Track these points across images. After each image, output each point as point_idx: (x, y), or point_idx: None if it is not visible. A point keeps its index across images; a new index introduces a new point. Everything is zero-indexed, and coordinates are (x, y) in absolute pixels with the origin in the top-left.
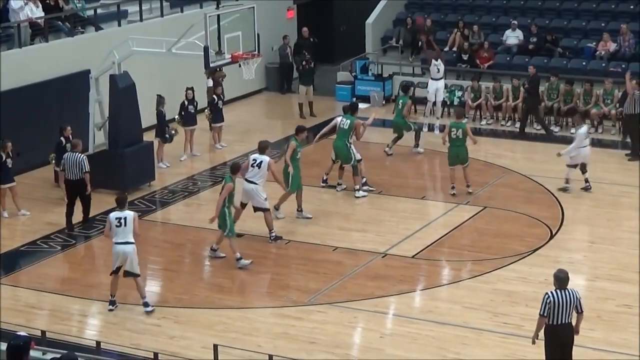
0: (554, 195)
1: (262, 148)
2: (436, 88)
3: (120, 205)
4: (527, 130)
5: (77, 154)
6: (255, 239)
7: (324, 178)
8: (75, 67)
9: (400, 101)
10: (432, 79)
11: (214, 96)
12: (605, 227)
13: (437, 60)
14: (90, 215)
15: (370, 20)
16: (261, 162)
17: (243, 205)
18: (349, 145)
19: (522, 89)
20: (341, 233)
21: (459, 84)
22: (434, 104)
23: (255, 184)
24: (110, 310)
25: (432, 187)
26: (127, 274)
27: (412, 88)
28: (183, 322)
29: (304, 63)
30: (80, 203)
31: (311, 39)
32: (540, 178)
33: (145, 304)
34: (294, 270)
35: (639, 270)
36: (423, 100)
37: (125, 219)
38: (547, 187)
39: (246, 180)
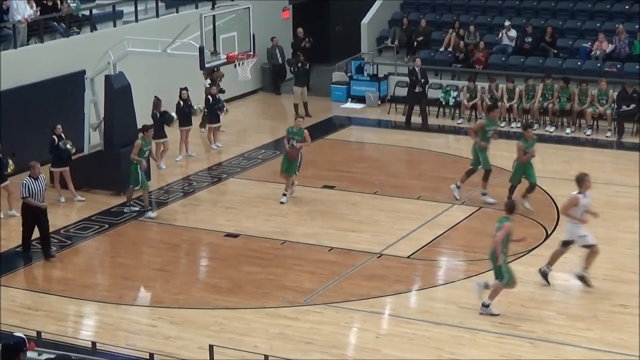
0: (549, 195)
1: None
2: None
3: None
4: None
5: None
6: (250, 239)
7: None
8: (71, 67)
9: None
10: None
11: (209, 96)
12: (601, 227)
13: None
14: (87, 216)
15: (365, 20)
16: None
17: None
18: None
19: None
20: (337, 233)
21: (454, 84)
22: None
23: None
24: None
25: (427, 187)
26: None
27: None
28: (179, 322)
29: (299, 64)
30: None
31: (306, 39)
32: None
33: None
34: (289, 270)
35: (638, 271)
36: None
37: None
38: (543, 187)
39: None
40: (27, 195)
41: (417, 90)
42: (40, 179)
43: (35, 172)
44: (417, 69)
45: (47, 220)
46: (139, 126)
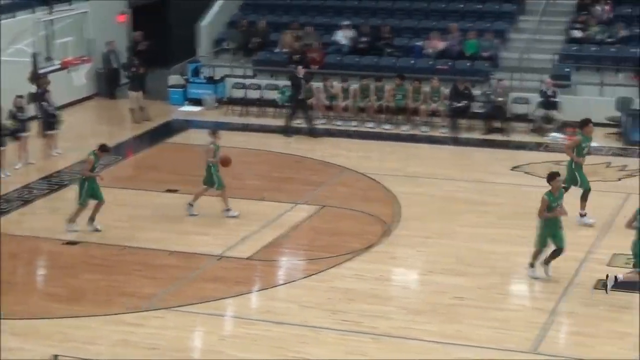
0: (390, 192)
1: None
2: None
3: None
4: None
5: None
6: (91, 246)
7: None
8: None
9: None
10: None
11: (43, 103)
12: (440, 222)
13: None
14: None
15: (204, 22)
16: None
17: None
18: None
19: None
20: (178, 237)
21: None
22: None
23: None
24: None
25: (270, 187)
26: None
27: None
28: (20, 333)
29: (133, 69)
30: None
31: (144, 43)
32: (376, 176)
33: None
34: (131, 276)
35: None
36: (251, 102)
37: None
38: (384, 184)
39: None
40: None
41: (300, 97)
42: None
43: None
44: (300, 75)
45: None
46: None
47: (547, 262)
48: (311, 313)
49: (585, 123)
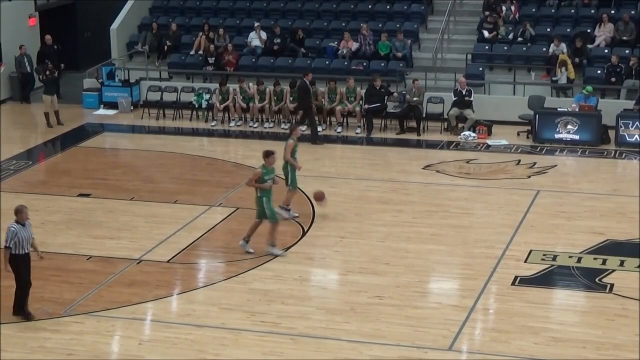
0: (303, 192)
1: None
2: None
3: None
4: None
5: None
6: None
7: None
8: None
9: None
10: None
11: None
12: (355, 222)
13: None
14: None
15: (114, 25)
16: None
17: None
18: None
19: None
20: (95, 241)
21: (206, 86)
22: None
23: None
24: None
25: (184, 190)
26: None
27: None
28: None
29: (47, 72)
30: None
31: (55, 46)
32: None
33: None
34: (48, 281)
35: None
36: (167, 105)
37: None
38: (298, 185)
39: None
40: (10, 245)
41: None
42: (27, 225)
43: (23, 217)
44: (308, 82)
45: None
46: None
47: None
48: (230, 315)
49: None
